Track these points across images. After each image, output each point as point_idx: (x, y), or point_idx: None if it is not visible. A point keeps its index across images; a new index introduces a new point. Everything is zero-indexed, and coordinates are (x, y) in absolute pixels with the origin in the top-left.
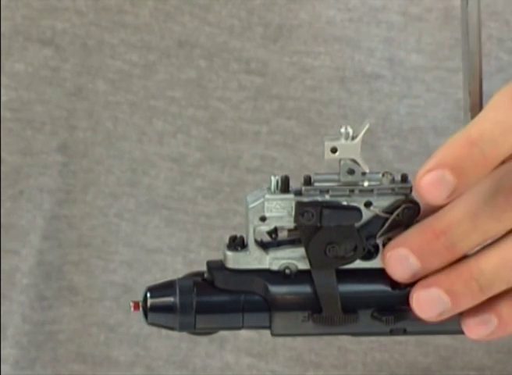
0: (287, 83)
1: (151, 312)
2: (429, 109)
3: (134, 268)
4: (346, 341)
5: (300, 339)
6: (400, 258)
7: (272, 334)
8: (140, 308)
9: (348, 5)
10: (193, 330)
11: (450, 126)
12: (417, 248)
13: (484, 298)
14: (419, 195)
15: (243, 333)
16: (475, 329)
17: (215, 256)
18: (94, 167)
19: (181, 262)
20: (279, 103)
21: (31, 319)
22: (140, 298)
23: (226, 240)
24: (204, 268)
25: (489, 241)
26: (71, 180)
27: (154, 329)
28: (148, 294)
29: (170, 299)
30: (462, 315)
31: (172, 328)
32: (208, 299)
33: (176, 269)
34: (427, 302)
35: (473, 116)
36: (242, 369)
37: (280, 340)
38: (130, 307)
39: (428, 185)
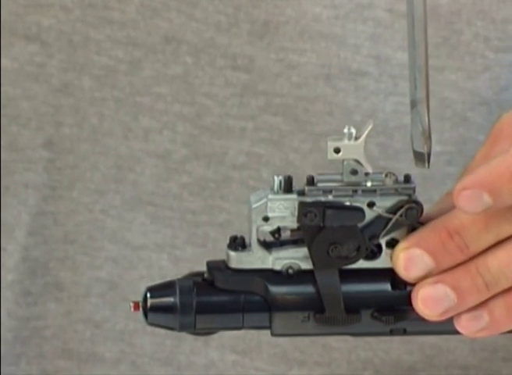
0: (273, 79)
1: (150, 312)
2: None
3: (120, 264)
4: (330, 338)
5: None
6: (414, 259)
7: (272, 334)
8: (140, 309)
9: (334, 1)
10: (193, 330)
11: (436, 124)
12: (432, 248)
13: (488, 295)
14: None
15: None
16: (466, 324)
17: (201, 253)
18: (80, 163)
19: (166, 258)
20: (265, 99)
21: (16, 315)
22: (125, 294)
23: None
24: (189, 264)
25: None
26: (56, 176)
27: (140, 325)
28: (148, 295)
29: (170, 299)
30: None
31: (172, 328)
32: (208, 299)
33: (161, 265)
34: (433, 299)
35: (421, 111)
36: (226, 366)
37: (265, 337)
38: (130, 307)
39: (465, 200)
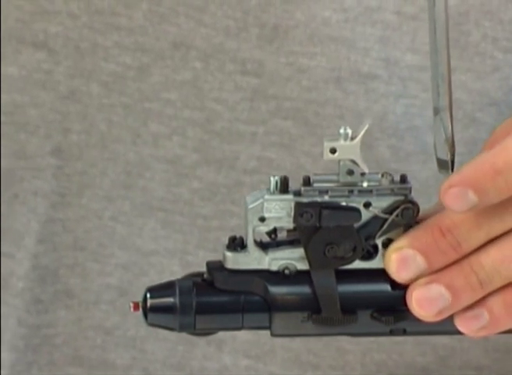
0: (283, 83)
1: (150, 312)
2: (425, 109)
3: (130, 271)
4: (344, 341)
5: (298, 340)
6: (406, 259)
7: (272, 335)
8: (140, 309)
9: (343, 5)
10: (193, 330)
11: None
12: (424, 248)
13: (483, 293)
14: (443, 204)
15: (241, 334)
16: (467, 323)
17: (212, 258)
18: (89, 170)
19: (178, 264)
20: (276, 104)
21: (27, 322)
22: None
23: (226, 241)
24: (201, 270)
25: None
26: (65, 183)
27: (151, 331)
28: (148, 295)
29: (170, 300)
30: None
31: (171, 329)
32: (207, 300)
33: (172, 271)
34: (427, 300)
35: (444, 118)
36: (240, 371)
37: (278, 341)
38: (130, 308)
39: (451, 199)
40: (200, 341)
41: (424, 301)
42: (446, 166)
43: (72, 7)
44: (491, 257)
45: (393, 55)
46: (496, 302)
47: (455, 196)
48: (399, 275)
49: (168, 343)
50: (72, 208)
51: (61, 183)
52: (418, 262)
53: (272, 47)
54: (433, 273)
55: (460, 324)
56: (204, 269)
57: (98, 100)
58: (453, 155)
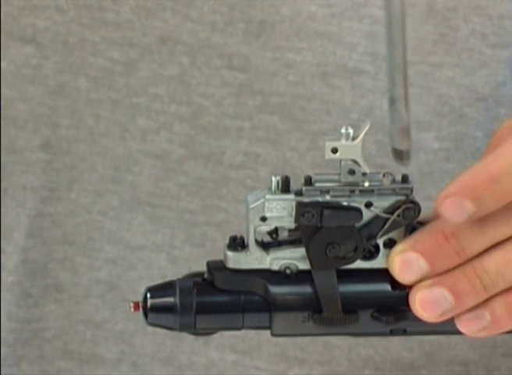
0: (270, 78)
1: (151, 312)
2: (413, 104)
3: (119, 265)
4: (330, 336)
5: None
6: (409, 262)
7: (272, 335)
8: (140, 309)
9: (330, 0)
10: (194, 330)
11: (433, 120)
12: (427, 252)
13: (486, 296)
14: (441, 214)
15: None
16: (468, 324)
17: (199, 252)
18: (77, 164)
19: (165, 258)
20: (262, 99)
21: (17, 316)
22: (125, 295)
23: (213, 235)
24: (188, 264)
25: None
26: (54, 178)
27: (140, 326)
28: (148, 295)
29: (170, 299)
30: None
31: (172, 328)
32: (208, 299)
33: (160, 265)
34: (430, 302)
35: (399, 108)
36: (227, 366)
37: (265, 336)
38: (130, 307)
39: (449, 209)
40: (188, 335)
41: (427, 304)
42: (401, 156)
43: (61, 2)
44: (494, 261)
45: (380, 51)
46: (498, 304)
47: (452, 206)
48: (402, 277)
49: (156, 337)
50: (61, 203)
51: (50, 178)
52: (421, 266)
53: (259, 42)
54: (436, 275)
55: (461, 325)
56: (190, 263)
57: (86, 95)
58: (408, 146)
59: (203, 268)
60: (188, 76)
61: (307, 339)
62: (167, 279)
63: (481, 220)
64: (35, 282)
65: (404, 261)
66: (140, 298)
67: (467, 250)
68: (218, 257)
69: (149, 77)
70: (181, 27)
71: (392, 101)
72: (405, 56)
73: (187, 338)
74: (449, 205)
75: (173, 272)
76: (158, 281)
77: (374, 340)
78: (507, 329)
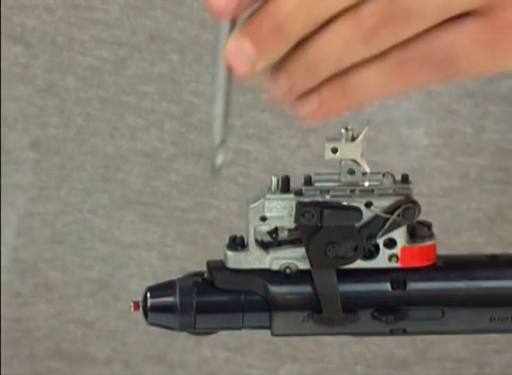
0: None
1: (151, 312)
2: (402, 100)
3: (110, 264)
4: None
5: None
6: (238, 48)
7: (272, 334)
8: (140, 309)
9: None
10: (194, 330)
11: (422, 117)
12: (250, 34)
13: (314, 77)
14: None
15: None
16: (300, 106)
17: (191, 250)
18: (67, 163)
19: (157, 256)
20: (253, 96)
21: (7, 316)
22: (116, 293)
23: (206, 232)
24: (179, 262)
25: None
26: (44, 177)
27: (132, 324)
28: (148, 294)
29: (170, 299)
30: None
31: (172, 328)
32: (208, 299)
33: (151, 263)
34: (273, 86)
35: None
36: (219, 364)
37: (257, 334)
38: (130, 307)
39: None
40: (180, 333)
41: (270, 85)
42: (214, 170)
43: (49, 1)
44: (315, 42)
45: None
46: (323, 88)
47: (234, 52)
48: (235, 66)
49: (148, 336)
50: (51, 202)
51: (39, 177)
52: (247, 50)
53: None
54: (266, 60)
55: (294, 108)
56: (182, 261)
57: (75, 94)
58: (219, 161)
59: (195, 266)
60: (178, 74)
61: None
62: (158, 277)
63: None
64: (25, 281)
65: (234, 48)
66: (131, 296)
67: (285, 28)
68: (209, 255)
69: (138, 76)
70: (170, 25)
71: (213, 118)
72: (229, 74)
73: (179, 337)
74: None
75: (165, 270)
76: (150, 279)
77: (365, 337)
78: (334, 114)
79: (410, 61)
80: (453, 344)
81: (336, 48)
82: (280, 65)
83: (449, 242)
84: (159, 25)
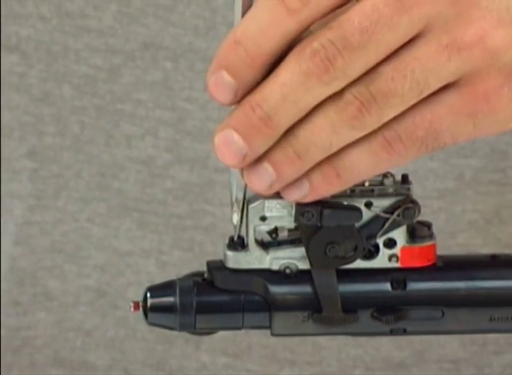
0: None
1: (151, 312)
2: None
3: (108, 272)
4: (320, 337)
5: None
6: (226, 139)
7: (272, 334)
8: (140, 309)
9: None
10: (193, 330)
11: None
12: (238, 125)
13: (304, 165)
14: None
15: (218, 332)
16: (289, 192)
17: (188, 257)
18: (64, 172)
19: (154, 264)
20: None
21: (6, 324)
22: (114, 301)
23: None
24: (176, 269)
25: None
26: (41, 186)
27: (130, 332)
28: (148, 294)
29: (170, 299)
30: None
31: (172, 328)
32: (208, 299)
33: (149, 271)
34: (256, 175)
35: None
36: (218, 369)
37: (255, 338)
38: (130, 307)
39: (212, 87)
40: (179, 339)
41: (253, 177)
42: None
43: (43, 10)
44: (303, 129)
45: None
46: (314, 173)
47: (214, 85)
48: (224, 158)
49: (146, 343)
50: (49, 211)
51: (37, 186)
52: (236, 142)
53: None
54: (257, 153)
55: (284, 193)
56: (179, 268)
57: (71, 102)
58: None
59: (191, 272)
60: (171, 81)
61: (296, 340)
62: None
63: (281, 85)
64: (24, 290)
65: (222, 139)
66: (129, 304)
67: (273, 119)
68: (206, 261)
69: (133, 83)
70: (163, 32)
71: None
72: None
73: (178, 343)
74: (212, 84)
75: (162, 277)
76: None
77: (363, 339)
78: (326, 195)
79: (396, 140)
80: (451, 346)
81: (325, 133)
82: (264, 155)
83: (445, 244)
84: (152, 32)
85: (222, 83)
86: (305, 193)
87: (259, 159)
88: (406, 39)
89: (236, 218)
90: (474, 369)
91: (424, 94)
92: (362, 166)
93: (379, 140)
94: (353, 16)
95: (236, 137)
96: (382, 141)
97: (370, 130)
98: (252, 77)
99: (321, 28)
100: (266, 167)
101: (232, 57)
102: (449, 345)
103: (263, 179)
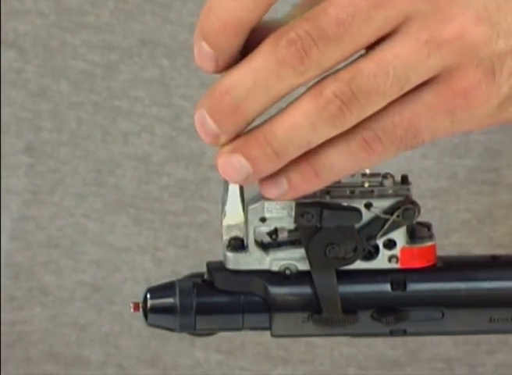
0: None
1: (150, 313)
2: None
3: (103, 267)
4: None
5: (267, 334)
6: (200, 119)
7: (272, 335)
8: (140, 309)
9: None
10: (193, 331)
11: None
12: (209, 109)
13: (281, 162)
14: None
15: None
16: (268, 189)
17: (183, 254)
18: (60, 168)
19: (149, 260)
20: None
21: (2, 319)
22: (110, 297)
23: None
24: (172, 266)
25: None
26: (37, 181)
27: (125, 328)
28: (148, 295)
29: (170, 300)
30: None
31: (172, 329)
32: (208, 300)
33: (144, 267)
34: (231, 169)
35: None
36: (211, 366)
37: (248, 336)
38: (130, 308)
39: (196, 57)
40: (173, 336)
41: (228, 170)
42: None
43: (41, 6)
44: (282, 127)
45: None
46: (293, 171)
47: (197, 123)
48: (201, 137)
49: (141, 339)
50: (45, 206)
51: (33, 181)
52: (209, 124)
53: None
54: (234, 140)
55: (262, 190)
56: (174, 265)
57: (68, 98)
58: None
59: (187, 269)
60: (168, 78)
61: (289, 338)
62: (151, 280)
63: (253, 72)
64: (19, 285)
65: (196, 118)
66: (124, 300)
67: (242, 106)
68: (201, 257)
69: (130, 80)
70: (161, 30)
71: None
72: None
73: (172, 339)
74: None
75: (158, 273)
76: (143, 283)
77: (356, 338)
78: (305, 193)
79: (375, 141)
80: (445, 345)
81: (304, 131)
82: (240, 149)
83: (438, 243)
84: (149, 29)
85: (202, 53)
86: (284, 191)
87: (234, 152)
88: (382, 33)
89: (226, 221)
90: (467, 368)
91: (405, 91)
92: (341, 165)
93: (358, 140)
94: (330, 8)
95: (208, 119)
96: (361, 142)
97: (349, 127)
98: (228, 46)
99: (298, 18)
100: (243, 163)
101: (206, 25)
102: (443, 344)
103: (239, 173)
